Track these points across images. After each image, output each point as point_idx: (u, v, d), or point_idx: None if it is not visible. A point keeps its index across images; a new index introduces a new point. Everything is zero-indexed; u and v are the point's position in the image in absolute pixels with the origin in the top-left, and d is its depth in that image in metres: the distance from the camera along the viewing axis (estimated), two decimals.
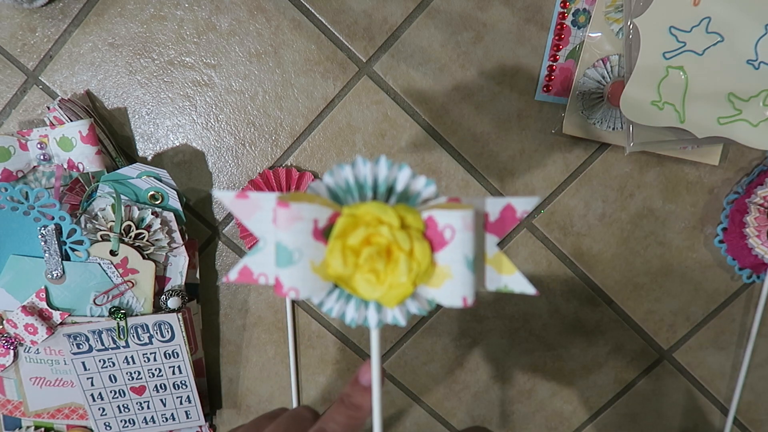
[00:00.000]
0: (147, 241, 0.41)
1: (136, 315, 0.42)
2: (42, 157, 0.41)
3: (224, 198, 0.22)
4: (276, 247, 0.21)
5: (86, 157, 0.40)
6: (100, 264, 0.41)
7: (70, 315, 0.42)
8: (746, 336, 0.49)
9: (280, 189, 0.44)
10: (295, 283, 0.21)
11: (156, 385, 0.45)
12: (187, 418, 0.46)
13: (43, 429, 0.46)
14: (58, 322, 0.42)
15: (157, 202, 0.41)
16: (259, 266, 0.22)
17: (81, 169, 0.40)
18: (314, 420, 0.29)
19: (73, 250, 0.41)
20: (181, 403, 0.45)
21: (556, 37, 0.42)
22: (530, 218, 0.46)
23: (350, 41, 0.43)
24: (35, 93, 0.43)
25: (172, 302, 0.43)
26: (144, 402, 0.45)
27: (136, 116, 0.44)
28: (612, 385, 0.51)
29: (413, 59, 0.43)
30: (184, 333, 0.43)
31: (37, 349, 0.43)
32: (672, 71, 0.39)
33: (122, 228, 0.40)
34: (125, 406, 0.45)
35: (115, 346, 0.43)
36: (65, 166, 0.41)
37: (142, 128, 0.44)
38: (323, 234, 0.22)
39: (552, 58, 0.43)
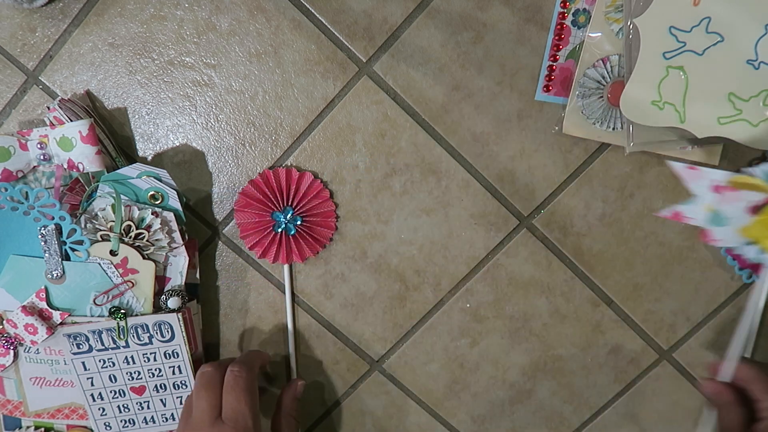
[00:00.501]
0: (147, 241, 0.41)
1: (136, 315, 0.42)
2: (42, 157, 0.41)
3: (677, 167, 0.33)
4: (713, 213, 0.32)
5: (86, 157, 0.40)
6: (100, 264, 0.41)
7: (70, 315, 0.42)
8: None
9: (280, 189, 0.44)
10: (721, 237, 0.33)
11: (156, 385, 0.45)
12: None
13: (43, 429, 0.46)
14: (58, 322, 0.42)
15: (157, 202, 0.41)
16: (689, 212, 0.33)
17: (81, 169, 0.40)
18: (216, 369, 0.41)
19: (73, 250, 0.41)
20: (181, 403, 0.45)
21: (556, 37, 0.42)
22: (530, 218, 0.46)
23: (350, 41, 0.43)
24: (35, 93, 0.43)
25: (172, 302, 0.43)
26: (144, 402, 0.45)
27: (136, 116, 0.44)
28: (612, 385, 0.51)
29: (413, 59, 0.43)
30: (184, 333, 0.43)
31: (37, 349, 0.43)
32: (672, 71, 0.39)
33: (122, 228, 0.40)
34: (125, 406, 0.45)
35: (115, 346, 0.43)
36: (65, 166, 0.41)
37: (142, 128, 0.44)
38: (754, 210, 0.31)
39: (552, 58, 0.43)
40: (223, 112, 0.44)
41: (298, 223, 0.44)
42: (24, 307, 0.41)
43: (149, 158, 0.45)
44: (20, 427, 0.46)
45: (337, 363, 0.50)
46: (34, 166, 0.41)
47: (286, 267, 0.46)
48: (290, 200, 0.44)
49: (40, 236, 0.40)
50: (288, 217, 0.44)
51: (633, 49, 0.39)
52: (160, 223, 0.41)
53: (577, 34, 0.42)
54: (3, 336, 0.42)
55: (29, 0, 0.40)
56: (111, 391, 0.44)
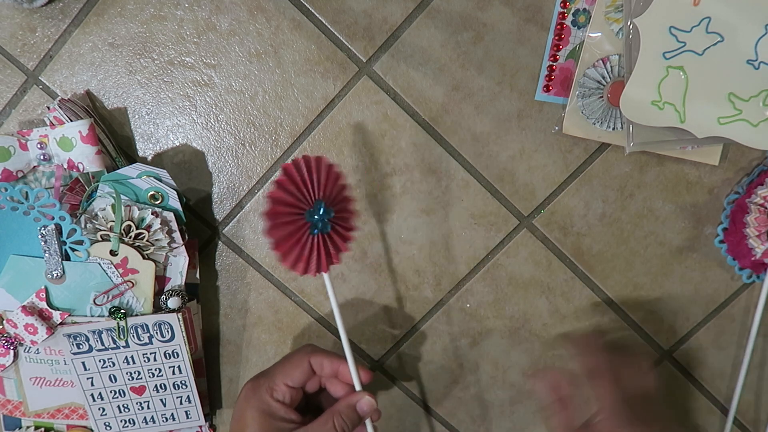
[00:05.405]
0: (147, 241, 0.41)
1: (136, 315, 0.42)
2: (42, 157, 0.41)
3: None
4: None
5: (86, 157, 0.40)
6: (100, 264, 0.41)
7: (70, 315, 0.42)
8: (746, 336, 0.49)
9: (305, 182, 0.35)
10: None
11: (156, 385, 0.45)
12: (187, 418, 0.46)
13: (43, 429, 0.46)
14: (58, 322, 0.42)
15: (157, 202, 0.41)
16: None
17: (81, 169, 0.40)
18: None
19: (73, 250, 0.41)
20: (181, 403, 0.45)
21: (556, 37, 0.42)
22: (530, 218, 0.46)
23: (350, 41, 0.43)
24: (35, 93, 0.43)
25: (172, 302, 0.43)
26: (144, 402, 0.45)
27: (136, 116, 0.44)
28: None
29: (413, 59, 0.43)
30: (184, 333, 0.43)
31: (37, 349, 0.43)
32: (672, 71, 0.39)
33: (122, 228, 0.40)
34: (125, 406, 0.45)
35: (115, 346, 0.43)
36: (65, 166, 0.41)
37: (142, 128, 0.44)
38: None
39: (552, 58, 0.43)
40: (223, 112, 0.44)
41: (332, 216, 0.36)
42: (24, 307, 0.41)
43: (149, 158, 0.45)
44: (20, 427, 0.46)
45: None
46: (34, 166, 0.41)
47: (326, 276, 0.38)
48: (317, 192, 0.35)
49: (40, 236, 0.40)
50: (321, 212, 0.35)
51: (633, 49, 0.39)
52: (160, 223, 0.41)
53: (577, 34, 0.42)
54: (3, 336, 0.42)
55: (29, 0, 0.40)
56: (111, 391, 0.44)
